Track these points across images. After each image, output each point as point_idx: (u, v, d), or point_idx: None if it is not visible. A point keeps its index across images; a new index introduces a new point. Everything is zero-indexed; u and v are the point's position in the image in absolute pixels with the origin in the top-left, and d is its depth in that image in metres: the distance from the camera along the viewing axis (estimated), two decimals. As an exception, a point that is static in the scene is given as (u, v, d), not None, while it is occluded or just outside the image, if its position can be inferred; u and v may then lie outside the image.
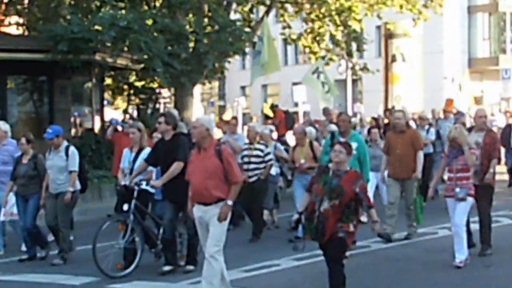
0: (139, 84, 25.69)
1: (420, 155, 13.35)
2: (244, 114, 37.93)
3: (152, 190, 11.29)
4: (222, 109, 56.10)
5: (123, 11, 21.83)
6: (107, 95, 28.88)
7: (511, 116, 25.45)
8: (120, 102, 33.83)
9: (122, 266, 10.86)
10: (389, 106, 28.78)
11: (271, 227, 14.97)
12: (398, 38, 30.57)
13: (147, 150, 11.53)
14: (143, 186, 11.09)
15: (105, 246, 10.89)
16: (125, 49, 21.50)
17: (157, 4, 24.59)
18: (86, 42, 20.46)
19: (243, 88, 61.08)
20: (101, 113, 24.52)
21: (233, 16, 27.54)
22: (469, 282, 10.37)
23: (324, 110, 22.57)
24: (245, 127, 17.98)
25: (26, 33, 26.65)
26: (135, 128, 12.00)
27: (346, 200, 8.51)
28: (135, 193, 10.97)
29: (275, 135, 18.81)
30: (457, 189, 11.00)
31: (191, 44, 23.07)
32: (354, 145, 11.02)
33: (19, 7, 26.33)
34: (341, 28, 28.18)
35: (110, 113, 31.81)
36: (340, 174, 8.66)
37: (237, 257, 11.52)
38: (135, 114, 26.98)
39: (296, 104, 30.53)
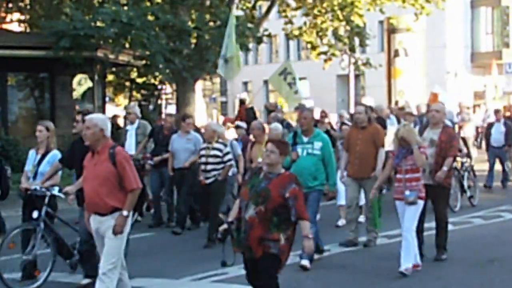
0: (140, 80, 25.65)
1: (382, 153, 12.19)
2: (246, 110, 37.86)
3: (63, 196, 10.15)
4: (224, 105, 56.14)
5: (125, 8, 21.80)
6: (109, 91, 28.86)
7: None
8: (122, 99, 33.79)
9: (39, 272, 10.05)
10: (393, 101, 28.72)
11: None
12: (401, 32, 30.47)
13: (54, 153, 10.43)
14: (55, 191, 10.06)
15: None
16: (127, 45, 21.47)
17: (159, 0, 24.54)
18: (88, 39, 20.46)
19: (245, 83, 61.04)
20: (103, 109, 24.50)
21: (235, 12, 27.48)
22: (472, 277, 10.30)
23: (297, 108, 22.27)
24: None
25: (28, 30, 26.63)
26: (43, 126, 10.56)
27: (272, 206, 7.36)
28: (46, 199, 9.94)
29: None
30: (407, 192, 10.27)
31: (193, 40, 23.01)
32: (318, 144, 10.85)
33: (21, 4, 26.32)
34: (343, 23, 28.10)
35: (112, 110, 31.79)
36: (271, 177, 7.56)
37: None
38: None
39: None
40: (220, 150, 13.10)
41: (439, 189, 10.98)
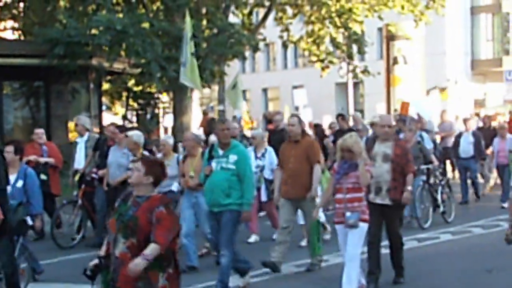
0: (137, 89, 25.48)
1: (317, 170, 10.94)
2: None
3: None
4: (221, 113, 55.89)
5: (120, 15, 21.66)
6: (105, 100, 28.70)
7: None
8: (119, 108, 33.64)
9: None
10: (392, 109, 28.54)
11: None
12: (400, 40, 30.27)
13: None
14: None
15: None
16: (122, 53, 21.32)
17: (154, 7, 24.38)
18: (82, 46, 20.34)
19: (243, 92, 60.88)
20: (99, 118, 24.32)
21: (232, 19, 27.33)
22: (470, 286, 10.22)
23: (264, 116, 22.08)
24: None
25: (22, 37, 26.51)
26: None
27: (143, 237, 6.05)
28: None
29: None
30: (348, 214, 9.09)
31: (189, 48, 22.83)
32: (232, 158, 9.74)
33: (14, 11, 26.19)
34: (341, 30, 27.94)
35: (109, 119, 31.60)
36: (140, 201, 6.22)
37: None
38: (134, 119, 26.77)
39: (296, 108, 30.29)
40: None
41: (394, 209, 10.05)
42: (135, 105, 25.54)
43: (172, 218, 6.19)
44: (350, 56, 29.66)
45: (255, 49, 26.13)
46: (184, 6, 22.74)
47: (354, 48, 29.21)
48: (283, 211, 11.11)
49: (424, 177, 15.10)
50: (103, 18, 20.03)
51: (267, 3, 27.45)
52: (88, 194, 14.12)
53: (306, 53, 29.90)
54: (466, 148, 18.64)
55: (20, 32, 27.00)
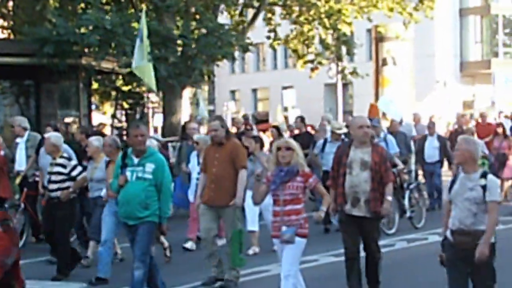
0: (126, 88, 25.45)
1: (243, 175, 10.26)
2: (233, 119, 37.78)
3: None
4: (212, 113, 55.96)
5: (109, 14, 21.63)
6: (95, 99, 28.64)
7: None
8: (108, 107, 33.60)
9: None
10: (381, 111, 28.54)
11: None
12: (389, 41, 30.46)
13: None
14: None
15: None
16: (111, 52, 21.29)
17: (144, 7, 24.34)
18: (71, 45, 20.29)
19: (232, 92, 60.97)
20: (89, 117, 24.28)
21: (222, 19, 27.34)
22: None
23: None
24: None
25: (12, 36, 26.43)
26: None
27: None
28: None
29: None
30: (284, 228, 8.33)
31: (179, 48, 22.85)
32: (150, 166, 8.90)
33: (4, 10, 26.09)
34: (330, 31, 27.95)
35: (98, 118, 31.57)
36: None
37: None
38: (123, 119, 26.72)
39: (285, 109, 30.38)
40: (63, 166, 11.22)
41: (372, 221, 9.23)
42: (125, 104, 25.47)
43: (6, 237, 5.72)
44: (339, 57, 29.69)
45: (245, 50, 26.13)
46: (174, 6, 22.78)
47: (343, 49, 29.21)
48: (203, 219, 10.31)
49: None
50: (92, 17, 20.00)
51: (256, 4, 27.44)
52: (31, 197, 13.53)
53: (294, 54, 29.84)
54: (431, 152, 17.84)
55: (9, 31, 26.90)
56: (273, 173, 8.44)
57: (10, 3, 26.09)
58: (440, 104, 42.63)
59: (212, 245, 10.39)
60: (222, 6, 26.58)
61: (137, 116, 25.85)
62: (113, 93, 26.41)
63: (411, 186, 15.59)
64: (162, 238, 11.70)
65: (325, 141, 15.22)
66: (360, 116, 10.43)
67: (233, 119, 30.50)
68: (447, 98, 45.81)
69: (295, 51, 29.35)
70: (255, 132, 17.21)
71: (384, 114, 24.56)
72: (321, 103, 52.57)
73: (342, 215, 9.21)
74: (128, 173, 8.96)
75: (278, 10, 29.33)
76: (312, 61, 29.30)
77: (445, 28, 48.30)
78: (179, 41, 22.47)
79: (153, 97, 27.08)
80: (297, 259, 8.50)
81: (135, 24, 21.71)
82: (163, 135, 22.65)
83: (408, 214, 14.97)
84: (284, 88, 33.36)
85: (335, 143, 14.24)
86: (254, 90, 61.25)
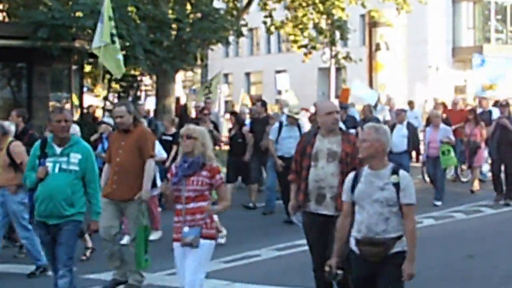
0: (119, 71, 25.45)
1: (150, 165, 9.23)
2: (226, 102, 37.87)
3: None
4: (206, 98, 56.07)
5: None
6: (87, 82, 28.62)
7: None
8: (101, 90, 33.58)
9: None
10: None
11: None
12: (382, 26, 30.46)
13: None
14: None
15: None
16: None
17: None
18: (66, 29, 20.26)
19: (225, 75, 60.93)
20: (80, 100, 24.31)
21: (217, 4, 27.32)
22: (451, 272, 10.25)
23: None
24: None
25: (7, 19, 26.38)
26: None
27: None
28: None
29: None
30: (185, 229, 7.19)
31: (174, 32, 22.87)
32: (75, 157, 7.76)
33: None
34: (324, 16, 27.98)
35: (90, 100, 31.55)
36: None
37: (216, 247, 11.25)
38: (115, 101, 26.73)
39: (279, 92, 30.41)
40: None
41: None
42: (118, 87, 25.47)
43: None
44: (333, 42, 29.72)
45: (239, 34, 26.14)
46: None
47: (337, 34, 29.24)
48: (103, 215, 8.61)
49: None
50: (88, 1, 19.96)
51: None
52: None
53: (290, 38, 29.86)
54: (399, 141, 16.03)
55: (4, 14, 26.85)
56: (180, 163, 7.34)
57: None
58: (432, 89, 42.70)
59: (113, 245, 9.22)
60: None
61: (130, 99, 25.88)
62: (106, 76, 26.41)
63: None
64: (87, 237, 10.95)
65: (281, 124, 14.51)
66: (328, 101, 9.58)
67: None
68: (439, 83, 45.92)
69: (292, 34, 29.32)
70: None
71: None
72: (315, 87, 52.60)
73: (305, 215, 7.91)
74: (49, 164, 7.70)
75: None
76: (306, 46, 29.33)
77: (438, 14, 48.33)
78: (174, 25, 22.47)
79: (146, 80, 27.07)
80: (203, 266, 7.30)
81: (131, 9, 21.70)
82: (155, 118, 22.67)
83: None
84: (278, 72, 33.34)
85: (291, 127, 14.05)
86: (248, 74, 61.24)
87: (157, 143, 11.82)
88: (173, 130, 15.57)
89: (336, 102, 22.33)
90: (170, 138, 15.23)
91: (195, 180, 7.21)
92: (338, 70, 41.21)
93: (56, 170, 7.69)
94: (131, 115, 9.21)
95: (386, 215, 6.13)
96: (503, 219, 14.56)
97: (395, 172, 6.19)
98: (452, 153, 16.24)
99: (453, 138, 16.54)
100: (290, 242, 11.75)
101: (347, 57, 29.91)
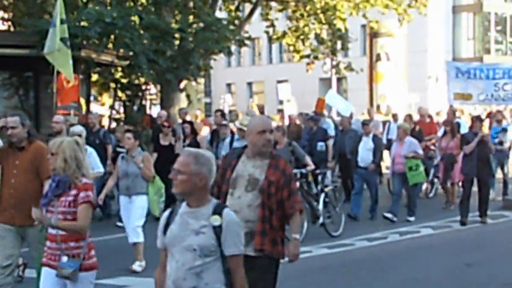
0: (125, 80, 25.73)
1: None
2: (230, 111, 38.17)
3: None
4: (208, 106, 56.31)
5: (109, 7, 21.88)
6: (94, 91, 28.87)
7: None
8: (106, 98, 33.83)
9: None
10: (374, 105, 28.94)
11: None
12: (383, 37, 30.74)
13: None
14: None
15: None
16: (110, 45, 21.55)
17: (143, 1, 24.64)
18: (71, 38, 20.47)
19: (228, 85, 61.24)
20: (87, 109, 24.51)
21: (219, 14, 27.60)
22: (449, 280, 10.40)
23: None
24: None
25: (12, 28, 26.62)
26: None
27: None
28: None
29: None
30: (64, 258, 6.25)
31: (177, 42, 23.14)
32: None
33: (4, 2, 26.28)
34: (325, 26, 28.26)
35: (96, 109, 31.78)
36: None
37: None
38: (121, 110, 26.99)
39: (281, 102, 30.64)
40: None
41: (264, 266, 6.36)
42: (123, 96, 25.74)
43: None
44: (334, 52, 29.97)
45: (241, 44, 26.40)
46: (172, 0, 23.03)
47: (338, 44, 29.51)
48: (2, 243, 7.78)
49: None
50: (93, 11, 20.19)
51: (253, -1, 27.76)
52: None
53: (291, 48, 30.15)
54: (365, 155, 15.33)
55: (10, 23, 27.08)
56: (52, 180, 6.46)
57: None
58: (432, 99, 42.96)
59: (6, 277, 7.74)
60: (220, 1, 26.84)
61: (135, 108, 26.17)
62: (112, 85, 26.66)
63: (327, 189, 13.80)
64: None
65: (233, 137, 14.13)
66: (261, 117, 7.88)
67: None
68: (439, 93, 46.18)
69: (292, 45, 29.61)
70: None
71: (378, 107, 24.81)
72: (316, 97, 52.74)
73: None
74: None
75: (274, 5, 29.60)
76: (308, 56, 29.61)
77: (438, 25, 48.64)
78: (177, 35, 22.72)
79: (151, 89, 27.35)
80: None
81: (135, 18, 21.97)
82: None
83: (321, 220, 13.21)
84: (279, 81, 33.57)
85: (243, 141, 12.69)
86: (250, 84, 61.49)
87: (94, 156, 11.67)
88: None
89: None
90: (124, 150, 13.70)
91: (64, 200, 6.28)
92: (339, 80, 41.49)
93: None
94: (25, 128, 7.91)
95: (198, 268, 4.68)
96: (500, 229, 14.77)
97: (217, 211, 4.74)
98: (421, 168, 15.11)
99: (420, 152, 15.27)
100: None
101: (348, 67, 30.15)
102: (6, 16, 27.06)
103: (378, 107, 27.45)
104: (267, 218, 6.25)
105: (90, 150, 11.47)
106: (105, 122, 24.46)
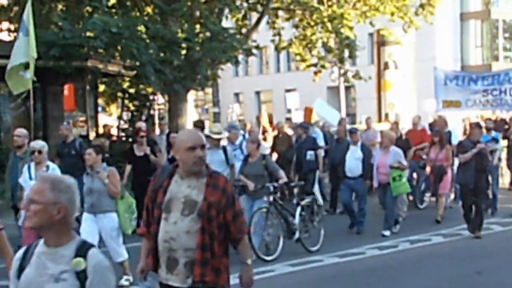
0: (133, 90, 25.76)
1: None
2: (239, 121, 38.17)
3: None
4: (216, 115, 56.43)
5: (115, 17, 21.89)
6: (101, 101, 28.93)
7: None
8: (114, 109, 33.88)
9: None
10: (383, 114, 28.87)
11: None
12: (391, 45, 30.66)
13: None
14: None
15: None
16: (117, 55, 21.56)
17: (149, 10, 24.66)
18: (78, 49, 20.49)
19: (236, 94, 61.30)
20: (95, 119, 24.57)
21: (226, 23, 27.59)
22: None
23: None
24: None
25: (18, 39, 26.66)
26: None
27: None
28: None
29: None
30: None
31: (184, 51, 23.12)
32: None
33: (10, 13, 26.35)
34: (333, 35, 28.23)
35: (103, 119, 31.85)
36: None
37: (230, 263, 11.39)
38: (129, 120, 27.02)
39: (289, 111, 30.62)
40: None
41: None
42: (131, 106, 25.78)
43: None
44: (341, 60, 29.94)
45: (249, 53, 26.39)
46: (179, 10, 23.03)
47: (346, 52, 29.48)
48: None
49: (270, 198, 12.38)
50: (99, 21, 20.20)
51: (260, 8, 27.73)
52: None
53: (298, 57, 30.13)
54: (353, 165, 14.84)
55: (16, 34, 27.12)
56: None
57: (17, 7, 26.34)
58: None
59: None
60: (226, 10, 26.85)
61: (143, 118, 26.21)
62: (120, 95, 26.69)
63: (303, 202, 13.24)
64: None
65: (225, 148, 13.61)
66: (189, 131, 6.80)
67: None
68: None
69: (298, 54, 29.62)
70: None
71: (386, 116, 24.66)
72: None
73: (160, 284, 5.66)
74: None
75: (281, 14, 29.60)
76: (315, 65, 29.58)
77: (446, 32, 48.59)
78: (183, 45, 22.73)
79: (158, 99, 27.37)
80: None
81: (140, 28, 21.97)
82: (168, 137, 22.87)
83: (297, 235, 12.74)
84: (287, 90, 33.61)
85: (215, 151, 12.95)
86: (258, 93, 61.56)
87: (58, 172, 10.84)
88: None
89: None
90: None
91: None
92: (347, 88, 41.43)
93: None
94: None
95: None
96: (511, 236, 14.69)
97: (81, 253, 3.84)
98: (404, 179, 14.51)
99: (404, 162, 14.67)
100: (303, 259, 11.90)
101: (357, 75, 30.12)
102: (12, 27, 27.12)
103: (386, 115, 27.35)
104: (207, 245, 5.47)
105: (53, 166, 11.14)
106: (114, 131, 24.47)
